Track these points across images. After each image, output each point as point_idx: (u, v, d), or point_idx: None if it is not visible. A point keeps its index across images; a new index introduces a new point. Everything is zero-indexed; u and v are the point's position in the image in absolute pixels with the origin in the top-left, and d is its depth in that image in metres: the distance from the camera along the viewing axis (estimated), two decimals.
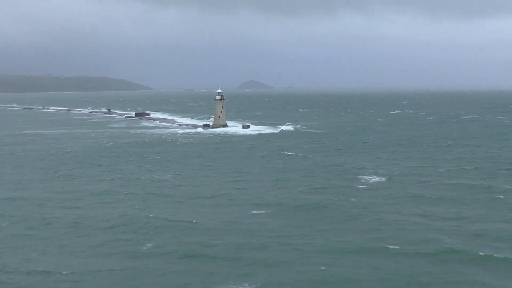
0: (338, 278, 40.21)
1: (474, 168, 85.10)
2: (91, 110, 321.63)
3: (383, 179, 76.14)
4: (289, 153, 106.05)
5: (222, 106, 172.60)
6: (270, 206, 61.21)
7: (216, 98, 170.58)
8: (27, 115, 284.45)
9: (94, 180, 79.20)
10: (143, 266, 43.09)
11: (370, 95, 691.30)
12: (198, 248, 46.88)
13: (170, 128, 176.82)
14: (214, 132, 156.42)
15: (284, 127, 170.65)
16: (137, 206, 62.06)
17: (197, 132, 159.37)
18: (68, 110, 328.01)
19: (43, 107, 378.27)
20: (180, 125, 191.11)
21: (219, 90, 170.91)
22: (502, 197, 64.26)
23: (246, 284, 39.46)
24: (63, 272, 42.08)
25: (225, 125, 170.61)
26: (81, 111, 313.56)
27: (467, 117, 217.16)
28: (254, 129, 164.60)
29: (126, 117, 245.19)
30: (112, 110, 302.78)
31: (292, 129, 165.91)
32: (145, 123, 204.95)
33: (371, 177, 77.57)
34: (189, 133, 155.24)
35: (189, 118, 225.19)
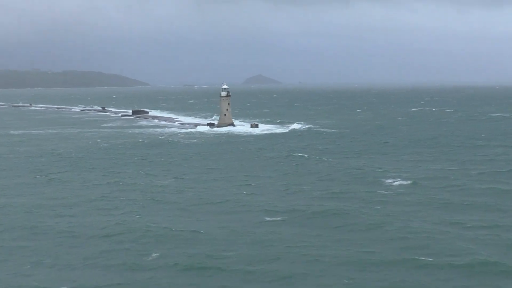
0: None
1: (509, 170, 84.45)
2: (83, 108, 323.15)
3: (407, 183, 75.71)
4: (301, 154, 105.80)
5: (228, 103, 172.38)
6: (283, 213, 60.92)
7: (222, 95, 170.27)
8: (13, 113, 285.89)
9: (88, 185, 79.19)
10: (144, 280, 42.89)
11: (388, 91, 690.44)
12: (204, 260, 46.63)
13: (171, 128, 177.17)
14: (219, 132, 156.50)
15: (295, 126, 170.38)
16: (136, 214, 61.92)
17: (200, 131, 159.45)
18: (58, 108, 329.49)
19: (30, 104, 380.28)
20: (181, 124, 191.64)
21: (225, 86, 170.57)
22: None
23: None
24: None
25: (232, 124, 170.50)
26: (72, 109, 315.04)
27: (498, 114, 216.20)
28: (263, 128, 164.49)
29: (122, 115, 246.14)
30: (106, 108, 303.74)
31: (304, 128, 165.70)
32: (143, 122, 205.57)
33: (394, 181, 77.20)
34: (191, 133, 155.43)
35: (191, 117, 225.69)
